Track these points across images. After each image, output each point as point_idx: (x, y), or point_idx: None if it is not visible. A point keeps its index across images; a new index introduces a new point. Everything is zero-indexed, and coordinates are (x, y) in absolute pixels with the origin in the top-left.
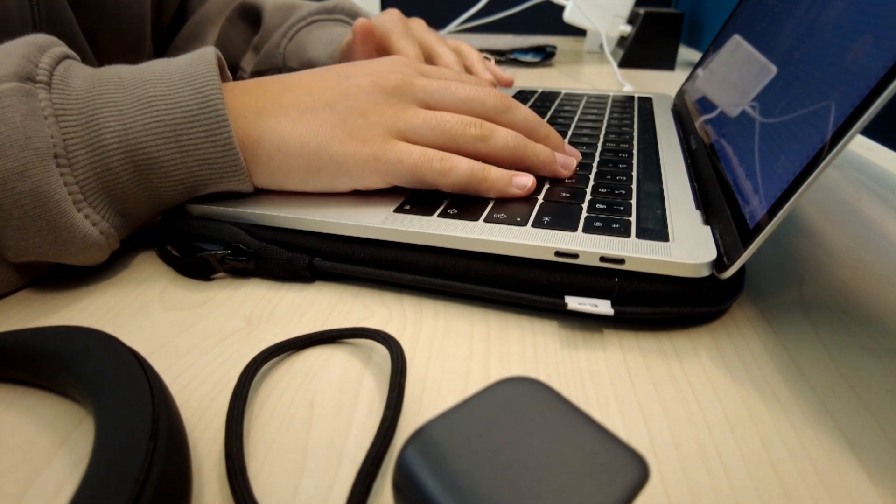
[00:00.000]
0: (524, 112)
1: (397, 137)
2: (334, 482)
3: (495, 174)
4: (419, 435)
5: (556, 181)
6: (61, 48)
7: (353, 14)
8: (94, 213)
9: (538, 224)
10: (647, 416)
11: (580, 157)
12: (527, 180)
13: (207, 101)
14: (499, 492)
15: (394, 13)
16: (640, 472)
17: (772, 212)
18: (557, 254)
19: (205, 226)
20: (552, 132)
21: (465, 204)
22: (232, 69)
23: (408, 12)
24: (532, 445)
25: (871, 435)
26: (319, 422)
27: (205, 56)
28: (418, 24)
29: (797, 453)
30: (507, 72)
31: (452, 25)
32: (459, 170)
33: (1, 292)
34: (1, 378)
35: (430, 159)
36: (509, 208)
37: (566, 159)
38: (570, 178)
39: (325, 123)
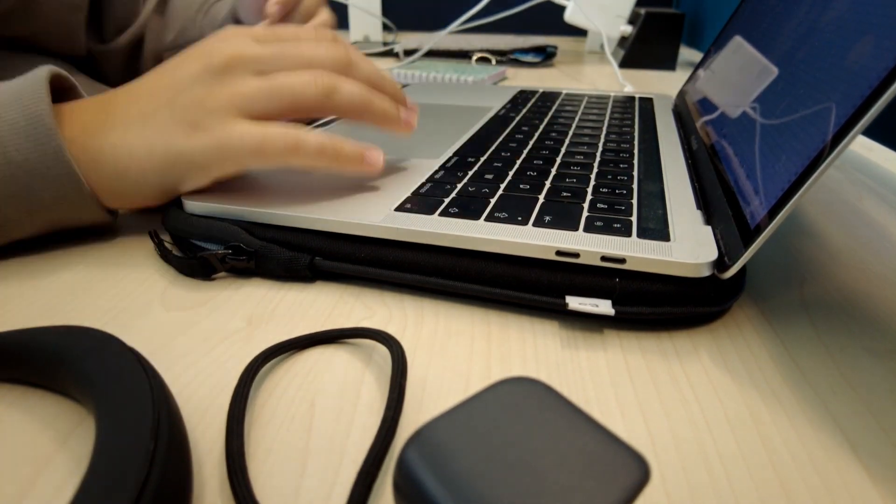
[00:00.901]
0: (366, 65)
1: (240, 116)
2: (335, 482)
3: (348, 149)
4: (420, 435)
5: (557, 180)
6: None
7: None
8: None
9: (539, 223)
10: (647, 416)
11: (417, 110)
12: (378, 155)
13: (34, 115)
14: (499, 492)
15: None
16: (640, 472)
17: (773, 212)
18: (558, 253)
19: (205, 224)
20: (396, 86)
21: (466, 203)
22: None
23: (407, 12)
24: (533, 446)
25: (872, 436)
26: (320, 422)
27: (37, 74)
28: None
29: (798, 454)
30: (508, 72)
31: (453, 25)
32: (308, 145)
33: None
34: (1, 378)
35: (273, 137)
36: (510, 207)
37: (409, 114)
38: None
39: (167, 123)
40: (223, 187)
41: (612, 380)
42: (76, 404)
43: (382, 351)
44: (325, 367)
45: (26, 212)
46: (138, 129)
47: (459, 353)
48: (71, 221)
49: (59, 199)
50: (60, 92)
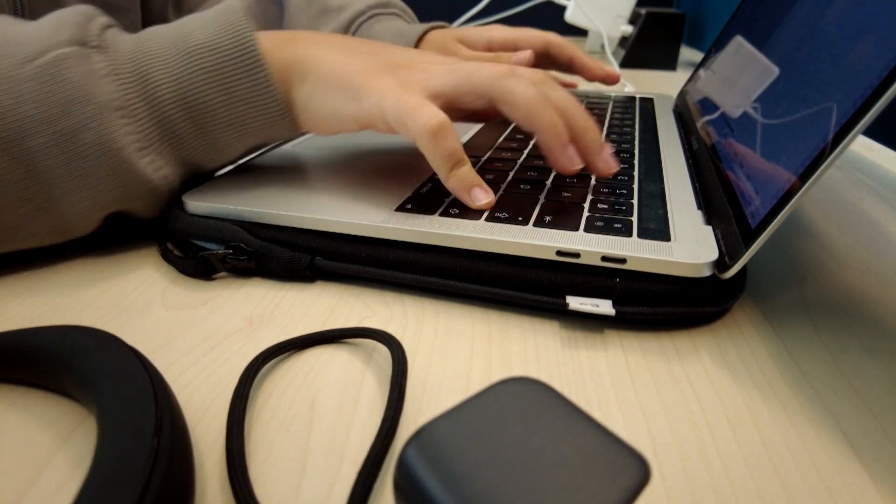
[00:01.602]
0: (563, 92)
1: (426, 94)
2: (335, 482)
3: (466, 169)
4: (420, 435)
5: (557, 180)
6: (105, 18)
7: (403, 9)
8: (159, 159)
9: (539, 223)
10: (648, 416)
11: (611, 165)
12: (484, 195)
13: (243, 45)
14: (500, 492)
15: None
16: (641, 472)
17: (773, 212)
18: (559, 253)
19: (206, 224)
20: (589, 125)
21: None
22: None
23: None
24: (533, 446)
25: (872, 435)
26: (320, 422)
27: (232, 5)
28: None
29: (798, 454)
30: None
31: (454, 25)
32: (447, 143)
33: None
34: (1, 378)
35: (428, 109)
36: (511, 207)
37: (575, 155)
38: (609, 175)
39: (368, 61)
40: (223, 187)
41: (613, 380)
42: (77, 404)
43: (383, 351)
44: (326, 367)
45: (239, 137)
46: (337, 51)
47: (460, 353)
48: (271, 139)
49: (268, 123)
50: None
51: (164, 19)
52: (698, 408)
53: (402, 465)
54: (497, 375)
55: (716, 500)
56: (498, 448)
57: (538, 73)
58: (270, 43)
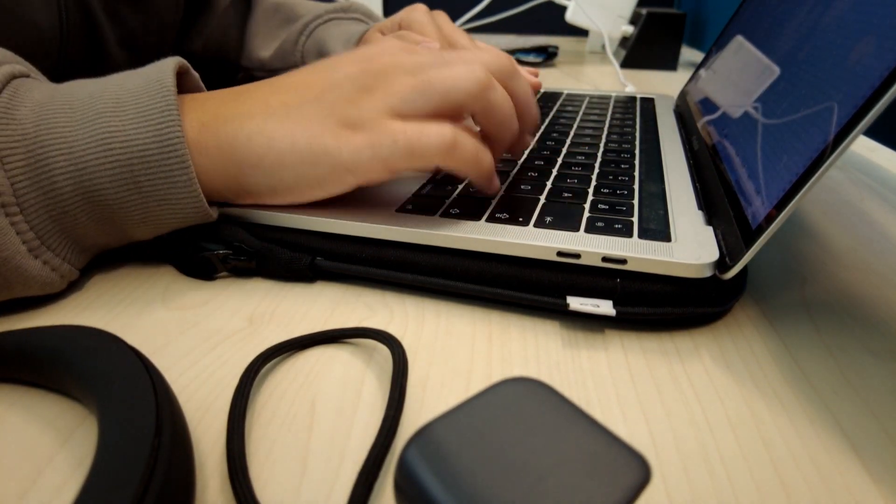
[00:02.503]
0: (525, 84)
1: (393, 117)
2: (336, 482)
3: (488, 163)
4: (421, 435)
5: (558, 180)
6: (14, 66)
7: (367, 14)
8: (55, 258)
9: (540, 224)
10: (648, 416)
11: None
12: (497, 181)
13: (166, 141)
14: (500, 492)
15: (421, 10)
16: (641, 472)
17: (774, 212)
18: (559, 254)
19: (207, 225)
20: (536, 117)
21: (468, 204)
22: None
23: None
24: (533, 446)
25: (873, 436)
26: (321, 422)
27: (162, 81)
28: (444, 21)
29: (799, 454)
30: None
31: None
32: (465, 148)
33: None
34: (1, 378)
35: (429, 134)
36: (511, 208)
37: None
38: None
39: (313, 117)
40: None
41: (614, 380)
42: (77, 404)
43: (383, 351)
44: (326, 367)
45: (154, 230)
46: (279, 119)
47: (460, 353)
48: (182, 226)
49: (188, 221)
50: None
51: None
52: (699, 408)
53: (402, 466)
54: (497, 375)
55: (717, 501)
56: (498, 448)
57: (503, 58)
58: (199, 124)
